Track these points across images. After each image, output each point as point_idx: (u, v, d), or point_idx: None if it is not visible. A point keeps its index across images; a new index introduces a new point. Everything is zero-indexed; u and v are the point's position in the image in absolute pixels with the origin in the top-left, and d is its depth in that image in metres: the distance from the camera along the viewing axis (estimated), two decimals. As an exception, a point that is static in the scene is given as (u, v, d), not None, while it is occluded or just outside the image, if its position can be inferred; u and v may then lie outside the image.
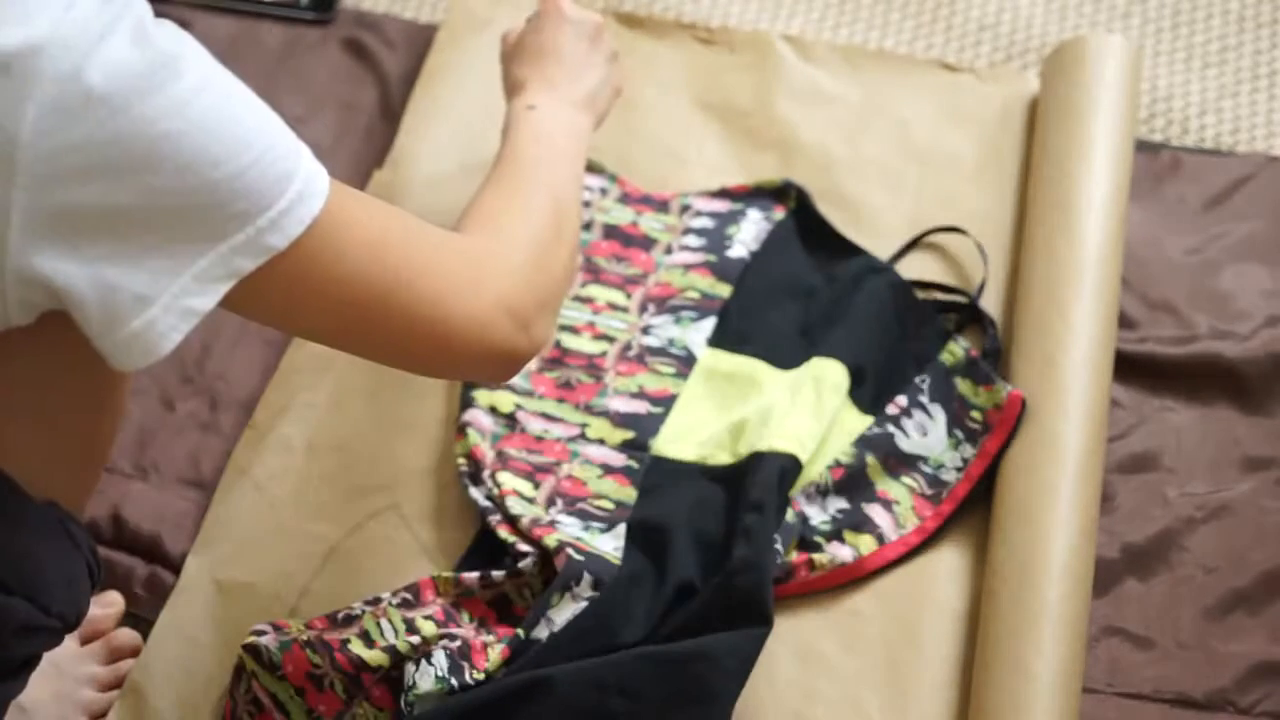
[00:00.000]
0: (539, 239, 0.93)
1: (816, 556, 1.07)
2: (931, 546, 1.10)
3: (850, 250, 1.24)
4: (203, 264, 0.72)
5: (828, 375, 1.14)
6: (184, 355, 1.22)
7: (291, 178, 0.74)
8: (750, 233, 1.26)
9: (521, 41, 1.15)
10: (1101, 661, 1.06)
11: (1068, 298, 1.15)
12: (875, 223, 1.28)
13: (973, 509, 1.10)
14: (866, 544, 1.08)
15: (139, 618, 1.10)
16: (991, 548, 1.07)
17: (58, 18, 0.66)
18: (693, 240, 1.26)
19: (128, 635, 1.09)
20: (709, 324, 1.20)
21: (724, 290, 1.22)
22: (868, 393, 1.15)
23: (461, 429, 1.14)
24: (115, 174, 0.68)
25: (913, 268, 1.25)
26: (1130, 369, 1.19)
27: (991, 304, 1.22)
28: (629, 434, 1.14)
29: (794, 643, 1.05)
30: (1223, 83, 1.40)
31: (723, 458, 1.11)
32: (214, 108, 0.71)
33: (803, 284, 1.22)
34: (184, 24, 1.46)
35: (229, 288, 0.73)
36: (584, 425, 1.15)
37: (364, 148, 1.38)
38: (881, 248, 1.25)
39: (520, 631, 1.00)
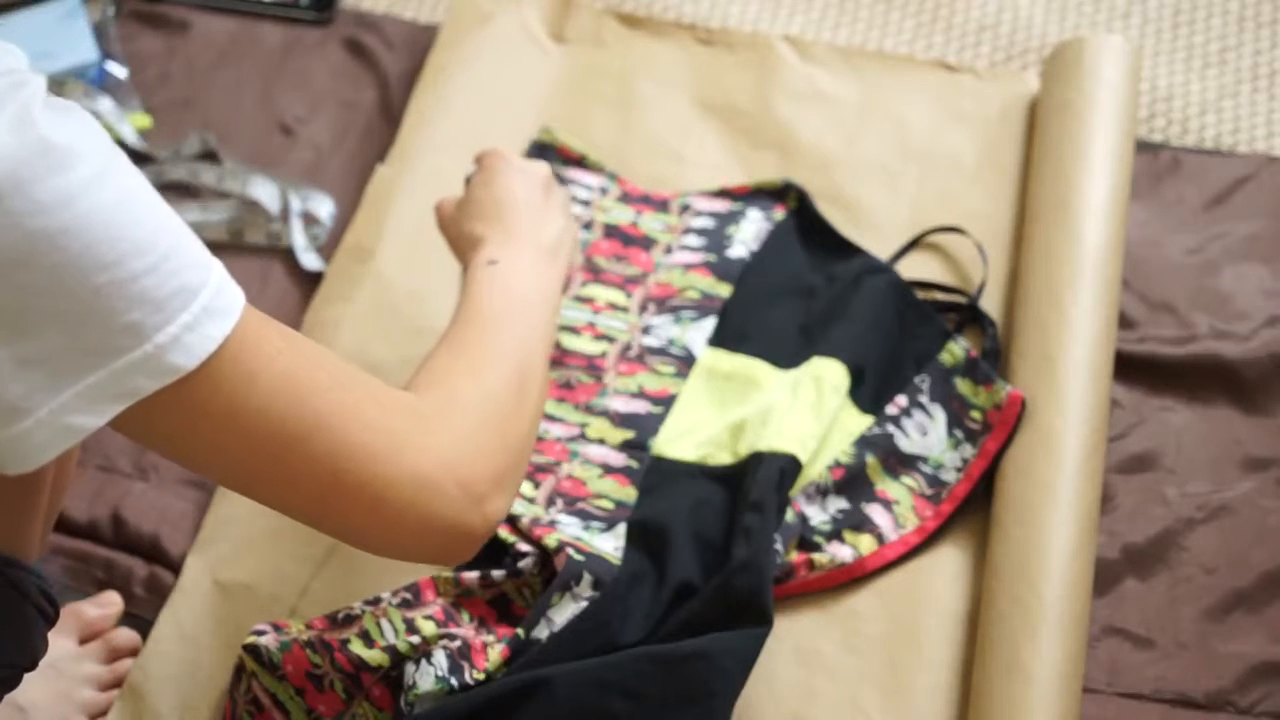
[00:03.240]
0: (498, 405, 0.84)
1: (816, 556, 1.07)
2: (931, 546, 1.10)
3: (850, 250, 1.24)
4: (91, 380, 0.64)
5: (828, 375, 1.14)
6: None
7: (197, 291, 0.66)
8: (750, 232, 1.26)
9: (470, 196, 1.05)
10: (1101, 661, 1.06)
11: (1067, 298, 1.15)
12: (875, 223, 1.28)
13: (973, 509, 1.10)
14: (866, 544, 1.08)
15: (139, 618, 1.10)
16: (991, 548, 1.07)
17: None
18: (693, 240, 1.26)
19: (127, 635, 1.09)
20: (709, 324, 1.20)
21: (724, 290, 1.22)
22: (868, 393, 1.15)
23: None
24: None
25: (913, 268, 1.25)
26: (1130, 369, 1.19)
27: (991, 304, 1.22)
28: (629, 434, 1.14)
29: (794, 643, 1.05)
30: (1223, 83, 1.40)
31: (723, 458, 1.11)
32: (105, 206, 0.64)
33: (802, 284, 1.22)
34: (184, 24, 1.48)
35: (123, 408, 0.66)
36: (584, 425, 1.15)
37: (364, 147, 1.38)
38: (881, 248, 1.25)
39: (520, 631, 1.00)
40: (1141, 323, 1.22)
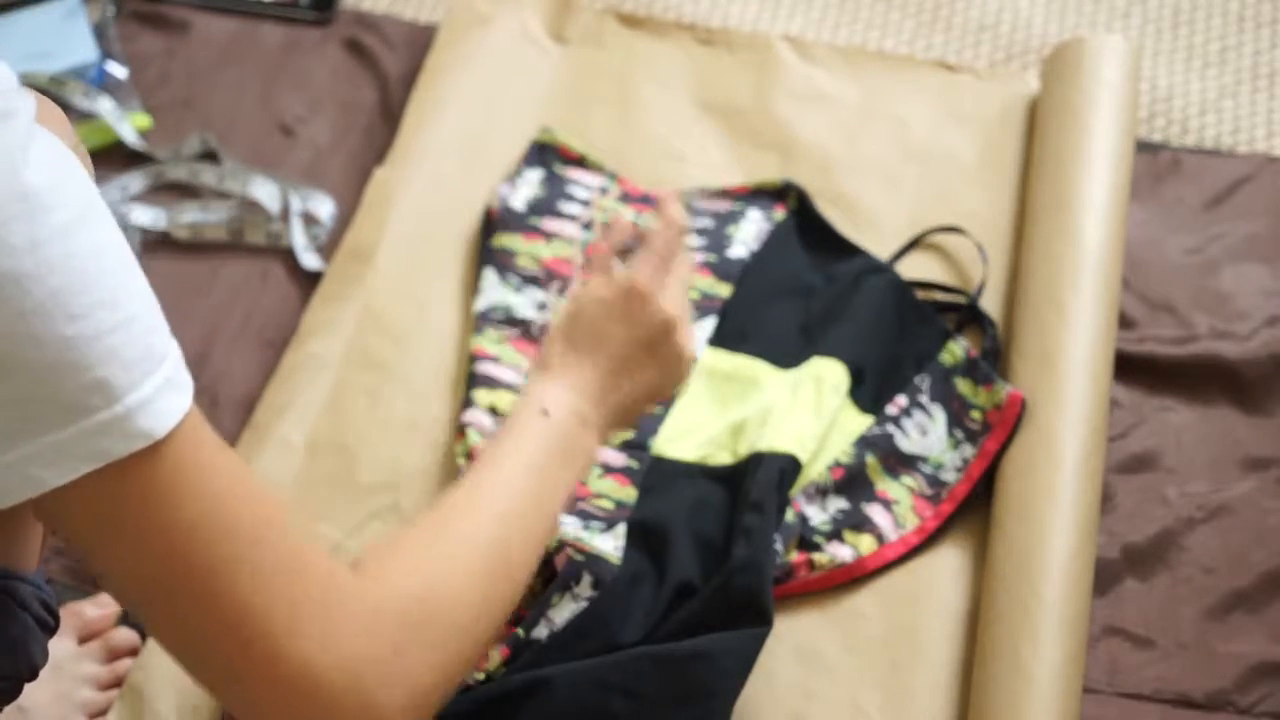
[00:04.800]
0: (453, 620, 0.73)
1: (816, 556, 1.07)
2: (931, 546, 1.10)
3: (850, 250, 1.24)
4: (61, 436, 0.61)
5: (828, 375, 1.14)
6: (184, 355, 1.22)
7: (163, 359, 0.64)
8: (750, 232, 1.26)
9: (582, 310, 0.95)
10: (1101, 661, 1.06)
11: (1067, 298, 1.15)
12: (875, 223, 1.28)
13: (973, 509, 1.10)
14: (866, 544, 1.08)
15: (139, 618, 1.10)
16: (991, 548, 1.07)
17: None
18: (693, 240, 1.26)
19: (126, 635, 1.09)
20: (709, 323, 1.20)
21: (724, 290, 1.22)
22: (867, 393, 1.15)
23: (462, 429, 1.13)
24: None
25: (913, 268, 1.25)
26: (1130, 369, 1.19)
27: (991, 304, 1.22)
28: (628, 433, 1.14)
29: (794, 643, 1.05)
30: (1223, 83, 1.40)
31: (723, 458, 1.11)
32: (79, 254, 0.61)
33: (802, 283, 1.22)
34: (184, 24, 1.48)
35: (90, 470, 0.62)
36: None
37: (364, 147, 1.38)
38: (881, 248, 1.25)
39: (520, 631, 1.00)
40: (1141, 323, 1.22)
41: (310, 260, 1.29)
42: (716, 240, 1.25)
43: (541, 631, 1.00)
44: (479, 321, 1.21)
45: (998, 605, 1.02)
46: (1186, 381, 1.19)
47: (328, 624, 0.67)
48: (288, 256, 1.30)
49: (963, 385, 1.14)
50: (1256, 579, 1.09)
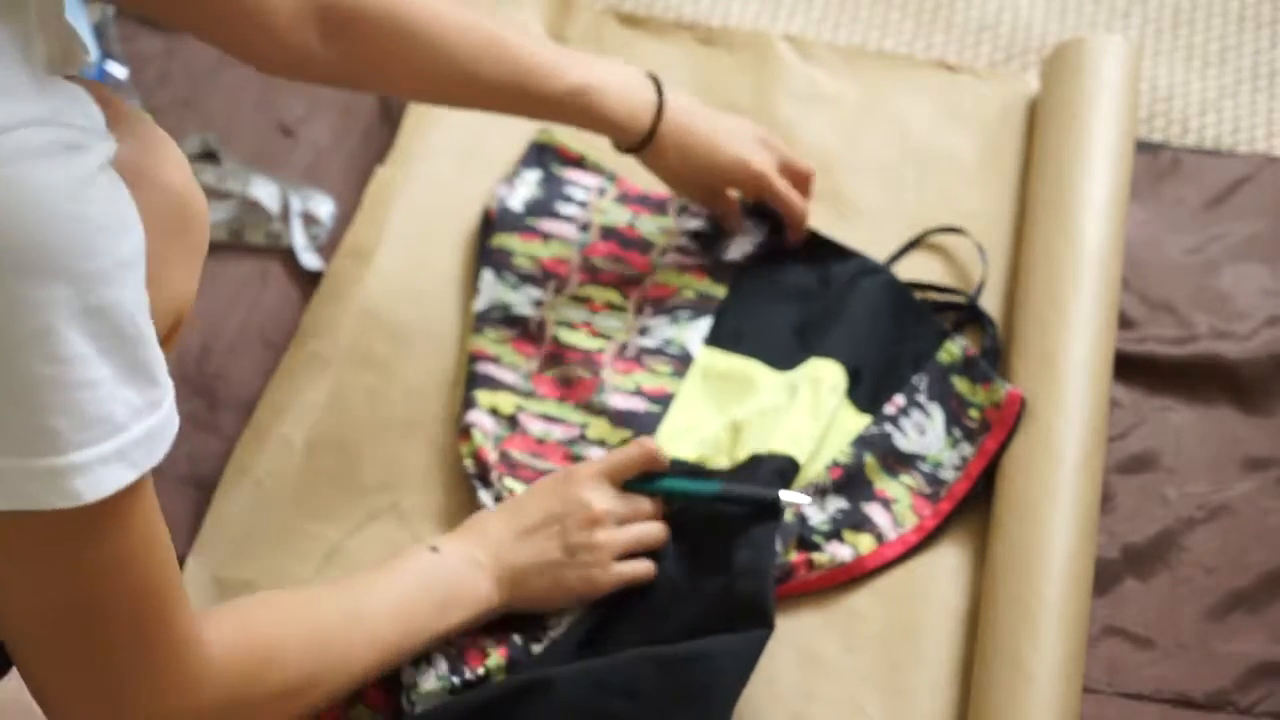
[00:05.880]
0: (287, 676, 0.83)
1: (815, 556, 1.06)
2: (931, 546, 1.10)
3: (845, 252, 1.24)
4: (0, 464, 0.62)
5: (825, 376, 1.14)
6: (184, 355, 1.22)
7: (121, 429, 0.65)
8: (747, 235, 1.26)
9: (537, 486, 1.06)
10: (1101, 661, 1.06)
11: (1067, 298, 1.15)
12: (875, 223, 1.28)
13: (973, 508, 1.10)
14: (865, 543, 1.08)
15: (138, 618, 1.10)
16: (991, 547, 1.06)
17: None
18: (689, 242, 1.26)
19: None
20: (705, 323, 1.20)
21: (720, 291, 1.22)
22: (865, 392, 1.15)
23: (465, 430, 1.14)
24: None
25: (912, 268, 1.25)
26: (1130, 369, 1.19)
27: (991, 304, 1.22)
28: (627, 433, 1.14)
29: (794, 643, 1.05)
30: (1223, 83, 1.40)
31: (721, 461, 1.11)
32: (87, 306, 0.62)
33: (799, 285, 1.22)
34: (184, 24, 1.47)
35: (5, 508, 0.63)
36: (584, 426, 1.15)
37: (364, 148, 1.38)
38: (881, 248, 1.25)
39: (517, 638, 1.00)
40: (1141, 323, 1.22)
41: (310, 260, 1.29)
42: (713, 242, 1.26)
43: (540, 634, 1.01)
44: (478, 322, 1.21)
45: (998, 605, 1.02)
46: (1186, 381, 1.19)
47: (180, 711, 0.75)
48: (288, 256, 1.30)
49: (961, 384, 1.14)
50: (1256, 579, 1.09)
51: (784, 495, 1.05)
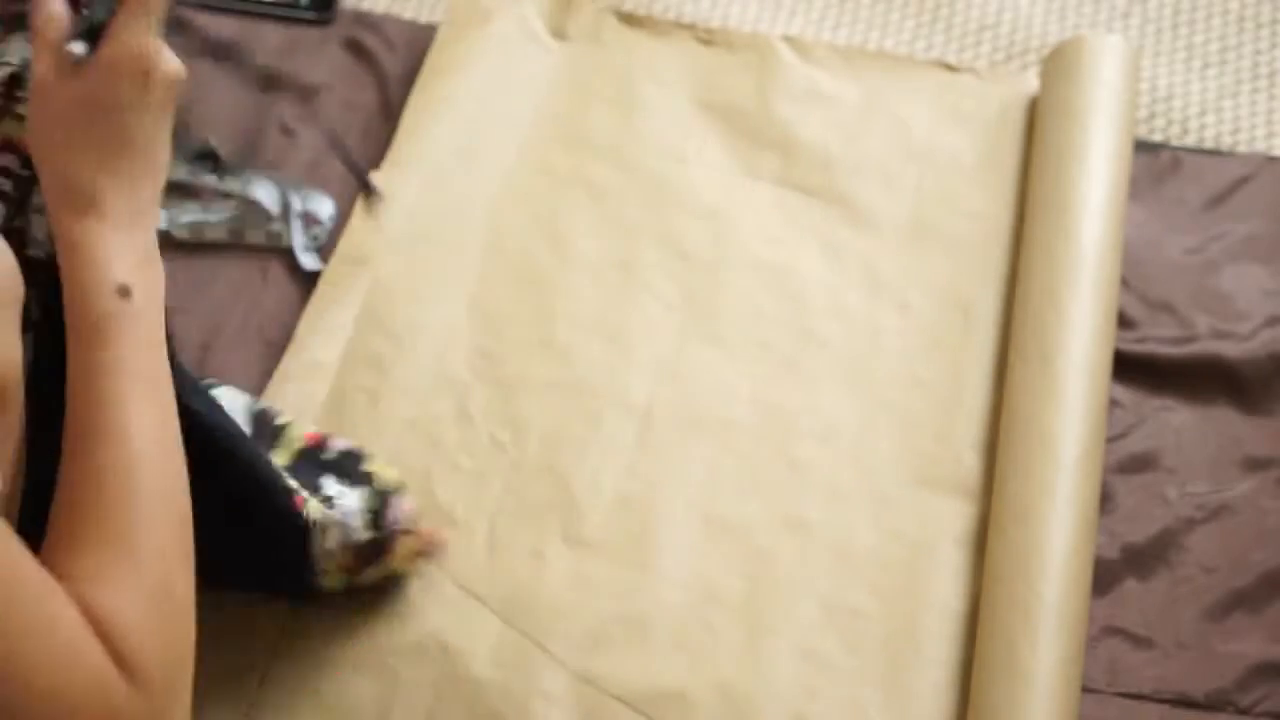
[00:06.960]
0: (167, 594, 0.69)
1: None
2: (931, 546, 1.10)
3: None
4: None
5: None
6: (183, 355, 1.22)
7: None
8: None
9: (63, 97, 0.72)
10: (1101, 661, 1.06)
11: (1066, 297, 1.15)
12: (875, 223, 1.28)
13: (972, 508, 1.10)
14: None
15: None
16: (990, 547, 1.07)
17: None
18: None
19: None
20: None
21: None
22: None
23: None
24: None
25: (913, 267, 1.25)
26: (1130, 369, 1.19)
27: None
28: None
29: (794, 642, 1.05)
30: (1223, 83, 1.40)
31: None
32: None
33: None
34: (184, 24, 1.47)
35: None
36: None
37: (363, 148, 1.38)
38: (881, 248, 1.25)
39: None
40: (1141, 322, 1.22)
41: (310, 260, 1.29)
42: None
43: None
44: None
45: (997, 605, 1.02)
46: (1186, 381, 1.19)
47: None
48: (288, 256, 1.30)
49: None
50: (1256, 579, 1.09)
51: None
